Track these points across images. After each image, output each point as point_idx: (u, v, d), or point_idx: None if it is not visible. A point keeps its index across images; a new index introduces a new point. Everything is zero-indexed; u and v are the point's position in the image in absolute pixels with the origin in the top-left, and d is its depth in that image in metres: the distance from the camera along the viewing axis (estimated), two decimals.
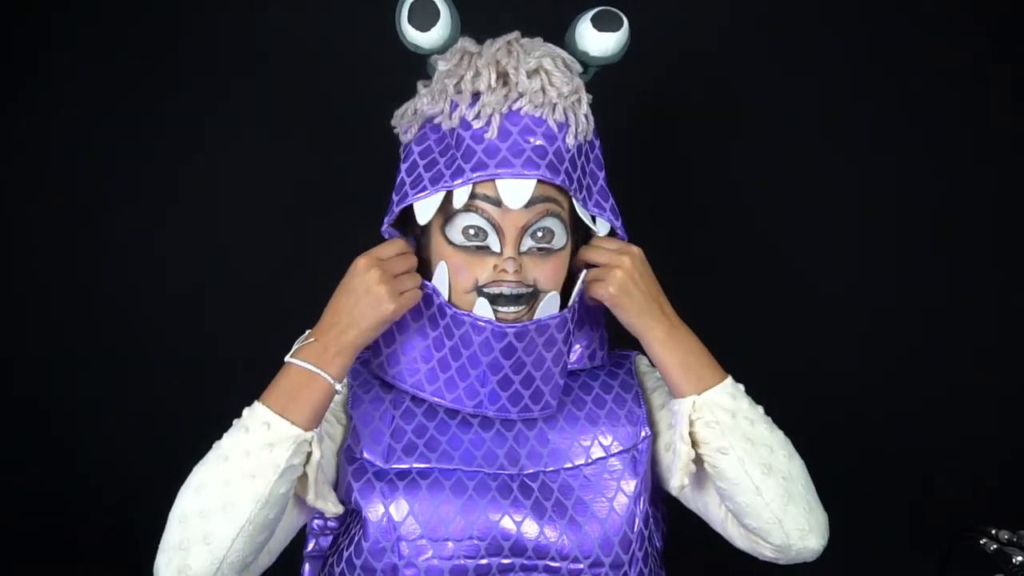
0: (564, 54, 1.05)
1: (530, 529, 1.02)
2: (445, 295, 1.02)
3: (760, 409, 1.04)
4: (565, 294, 1.06)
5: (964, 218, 1.59)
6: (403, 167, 1.06)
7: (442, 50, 1.05)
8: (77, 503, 1.53)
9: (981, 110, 1.58)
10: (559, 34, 1.09)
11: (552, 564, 1.02)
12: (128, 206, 1.53)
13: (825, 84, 1.57)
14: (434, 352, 1.05)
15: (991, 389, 1.58)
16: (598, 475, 1.06)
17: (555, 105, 1.01)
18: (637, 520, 1.04)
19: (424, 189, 1.01)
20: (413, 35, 1.05)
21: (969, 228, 1.59)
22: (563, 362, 1.07)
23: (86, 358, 1.53)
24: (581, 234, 1.10)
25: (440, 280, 1.03)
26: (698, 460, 1.02)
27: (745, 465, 0.99)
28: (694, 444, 1.01)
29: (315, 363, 0.95)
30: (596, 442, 1.08)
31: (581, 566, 1.02)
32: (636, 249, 1.05)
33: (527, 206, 0.99)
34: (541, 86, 1.01)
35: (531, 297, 1.02)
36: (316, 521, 1.16)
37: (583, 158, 1.04)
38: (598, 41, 1.07)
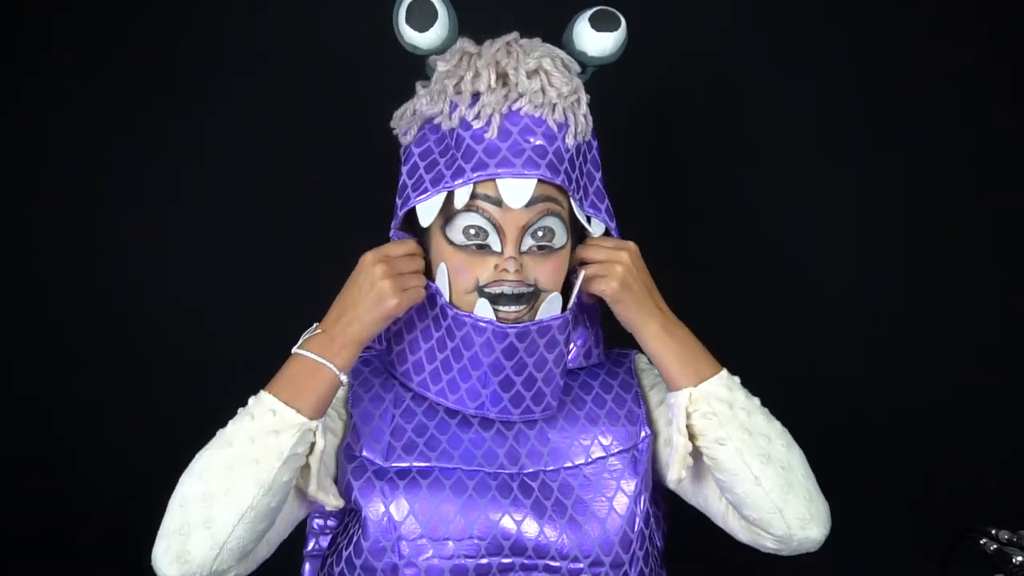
0: (563, 54, 1.05)
1: (530, 528, 1.02)
2: (446, 296, 1.02)
3: (757, 400, 1.04)
4: (564, 295, 1.06)
5: (965, 218, 1.59)
6: (404, 169, 1.06)
7: (440, 51, 1.05)
8: (77, 503, 1.53)
9: (982, 110, 1.58)
10: (558, 35, 1.09)
11: (552, 563, 1.02)
12: (128, 206, 1.53)
13: (826, 84, 1.57)
14: (437, 353, 1.05)
15: (992, 389, 1.58)
16: (598, 474, 1.06)
17: (555, 105, 1.01)
18: (637, 519, 1.04)
19: (425, 191, 1.01)
20: (411, 35, 1.05)
21: (970, 228, 1.59)
22: (564, 363, 1.07)
23: (86, 358, 1.53)
24: (578, 234, 1.10)
25: (441, 281, 1.03)
26: (696, 453, 1.03)
27: (743, 455, 0.99)
28: (691, 436, 1.02)
29: (321, 354, 0.96)
30: (596, 441, 1.08)
31: (581, 565, 1.02)
32: (632, 245, 1.06)
33: (527, 205, 0.99)
34: (541, 86, 1.01)
35: (532, 297, 1.02)
36: (316, 520, 1.16)
37: (581, 158, 1.04)
38: (596, 41, 1.07)
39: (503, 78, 1.01)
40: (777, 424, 1.03)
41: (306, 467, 0.97)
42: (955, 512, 1.43)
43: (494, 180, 0.99)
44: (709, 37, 1.57)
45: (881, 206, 1.59)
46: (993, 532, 1.00)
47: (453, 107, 1.02)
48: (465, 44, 1.04)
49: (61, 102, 1.51)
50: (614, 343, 1.19)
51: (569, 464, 1.07)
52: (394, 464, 1.04)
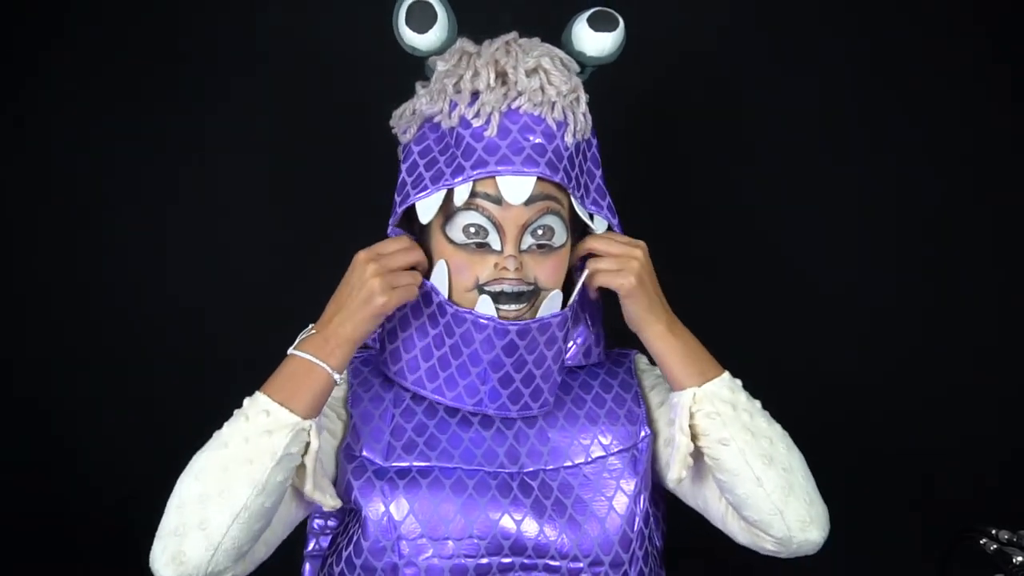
0: (562, 54, 1.05)
1: (530, 528, 1.02)
2: (445, 293, 1.02)
3: (758, 403, 1.05)
4: (564, 292, 1.06)
5: (964, 218, 1.59)
6: (403, 167, 1.06)
7: (439, 52, 1.06)
8: (77, 503, 1.53)
9: (981, 110, 1.58)
10: (556, 35, 1.09)
11: (552, 563, 1.02)
12: (128, 206, 1.53)
13: (825, 84, 1.57)
14: (434, 350, 1.05)
15: (991, 389, 1.58)
16: (598, 474, 1.06)
17: (554, 104, 1.01)
18: (637, 519, 1.04)
19: (425, 188, 1.02)
20: (411, 37, 1.05)
21: (969, 228, 1.59)
22: (561, 360, 1.07)
23: (86, 358, 1.53)
24: (579, 233, 1.10)
25: (438, 279, 1.03)
26: (697, 454, 1.03)
27: (746, 456, 0.99)
28: (694, 437, 1.02)
29: (315, 354, 0.96)
30: (596, 441, 1.08)
31: (580, 565, 1.02)
32: (644, 243, 1.06)
33: (527, 204, 1.00)
34: (540, 85, 1.01)
35: (532, 295, 1.02)
36: (317, 521, 1.16)
37: (580, 156, 1.05)
38: (594, 41, 1.07)
39: (502, 77, 1.02)
40: (778, 427, 1.04)
41: (302, 467, 0.97)
42: (955, 512, 1.43)
43: (494, 178, 0.99)
44: (708, 37, 1.57)
45: (880, 206, 1.59)
46: (993, 532, 1.00)
47: (453, 106, 1.02)
48: (464, 44, 1.05)
49: (61, 102, 1.51)
50: (615, 343, 1.19)
51: (569, 463, 1.07)
52: (394, 464, 1.04)
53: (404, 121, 1.08)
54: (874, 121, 1.58)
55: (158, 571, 0.90)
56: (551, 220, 1.02)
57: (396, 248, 1.01)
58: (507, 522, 1.02)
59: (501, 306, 1.01)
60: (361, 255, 1.00)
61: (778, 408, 1.06)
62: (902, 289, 1.59)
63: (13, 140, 1.51)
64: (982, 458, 1.58)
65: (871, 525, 1.53)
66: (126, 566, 1.19)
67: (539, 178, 0.99)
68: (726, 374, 1.04)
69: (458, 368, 1.04)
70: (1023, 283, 1.59)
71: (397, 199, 1.05)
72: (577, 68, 1.07)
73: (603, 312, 1.15)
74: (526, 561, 1.02)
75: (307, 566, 1.17)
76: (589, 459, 1.07)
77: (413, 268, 1.03)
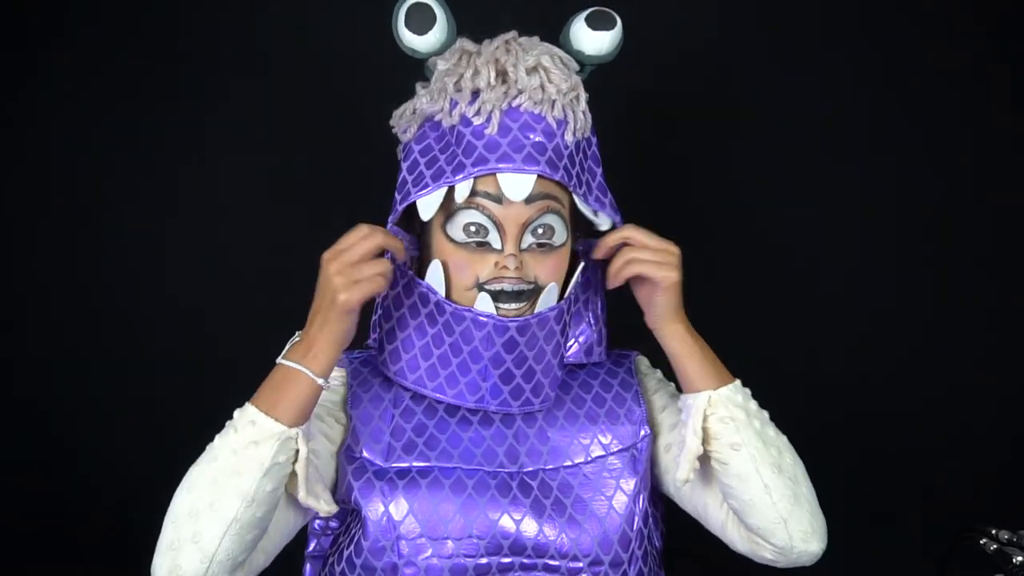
0: (562, 52, 1.05)
1: (529, 528, 1.02)
2: (441, 293, 1.02)
3: (766, 413, 1.05)
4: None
5: (964, 218, 1.59)
6: (404, 165, 1.06)
7: (439, 53, 1.05)
8: (77, 503, 1.53)
9: (981, 110, 1.58)
10: (556, 34, 1.09)
11: (551, 563, 1.02)
12: (128, 206, 1.53)
13: (825, 84, 1.57)
14: (433, 349, 1.05)
15: (991, 389, 1.58)
16: (597, 473, 1.06)
17: (554, 102, 1.01)
18: (636, 519, 1.04)
19: (426, 186, 1.02)
20: (410, 39, 1.05)
21: (969, 228, 1.59)
22: (561, 354, 1.08)
23: (86, 358, 1.53)
24: (580, 232, 1.10)
25: (433, 278, 1.02)
26: (702, 458, 1.03)
27: (756, 462, 0.99)
28: (704, 440, 1.02)
29: (299, 361, 0.95)
30: (596, 440, 1.08)
31: (580, 564, 1.02)
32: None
33: (527, 202, 1.00)
34: (540, 83, 1.01)
35: (532, 294, 1.02)
36: (317, 521, 1.16)
37: (581, 155, 1.05)
38: (593, 40, 1.07)
39: (503, 75, 1.02)
40: (784, 438, 1.05)
41: (295, 475, 0.96)
42: (954, 512, 1.43)
43: (494, 177, 0.99)
44: (707, 36, 1.57)
45: (880, 206, 1.59)
46: (993, 532, 1.00)
47: (453, 104, 1.02)
48: (465, 43, 1.05)
49: (61, 102, 1.51)
50: (615, 344, 1.19)
51: (568, 463, 1.07)
52: (394, 464, 1.04)
53: (404, 120, 1.08)
54: (874, 121, 1.58)
55: None
56: (551, 219, 1.02)
57: (355, 239, 0.98)
58: (506, 522, 1.02)
59: (501, 305, 1.01)
60: (324, 255, 0.97)
61: (778, 408, 1.06)
62: (902, 289, 1.59)
63: (13, 140, 1.51)
64: (982, 458, 1.58)
65: (871, 525, 1.53)
66: (126, 566, 1.18)
67: (539, 176, 0.99)
68: (738, 381, 1.05)
69: (459, 366, 1.04)
70: (1023, 283, 1.59)
71: (397, 197, 1.05)
72: (576, 67, 1.07)
73: (607, 312, 1.15)
74: (525, 561, 1.02)
75: (308, 566, 1.17)
76: (589, 458, 1.07)
77: (385, 254, 1.01)
